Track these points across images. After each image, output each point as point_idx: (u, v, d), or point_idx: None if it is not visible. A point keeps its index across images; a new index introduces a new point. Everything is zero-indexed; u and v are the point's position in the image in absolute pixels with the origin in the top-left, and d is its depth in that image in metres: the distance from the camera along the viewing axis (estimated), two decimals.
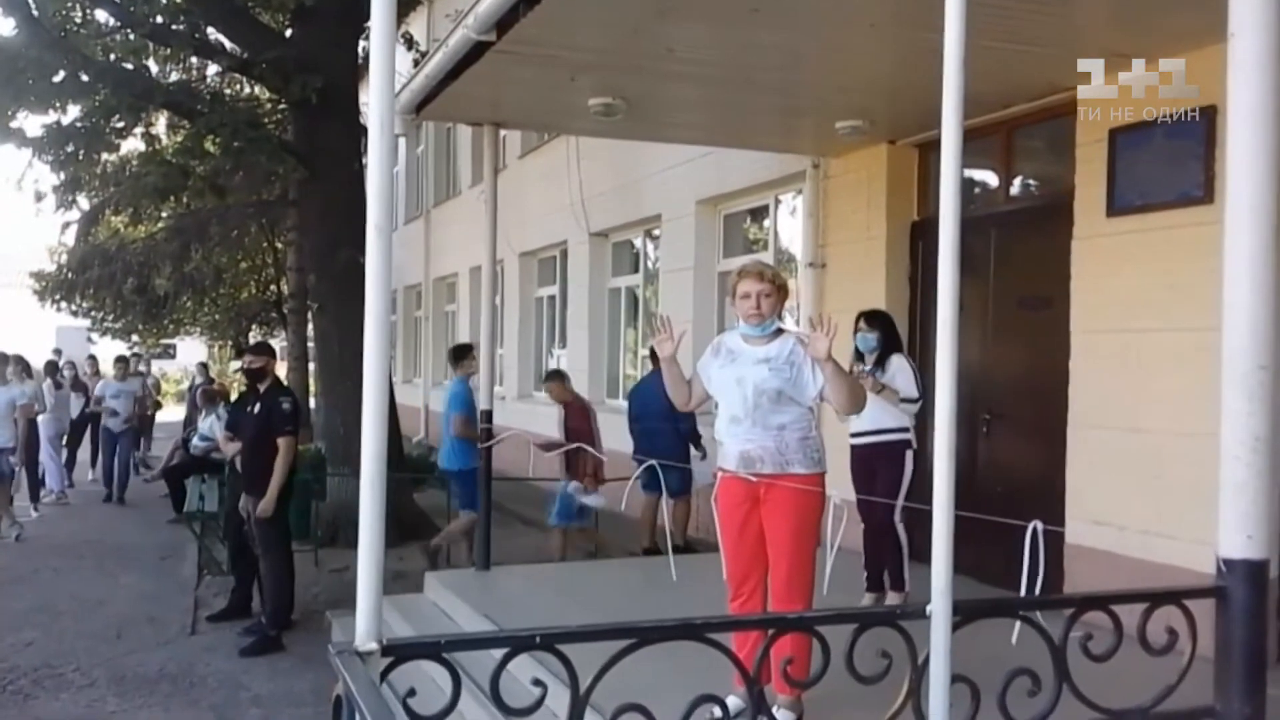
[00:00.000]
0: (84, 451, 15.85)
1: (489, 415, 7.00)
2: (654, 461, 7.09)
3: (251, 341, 23.28)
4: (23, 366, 12.36)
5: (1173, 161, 5.21)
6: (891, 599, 5.76)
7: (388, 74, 2.41)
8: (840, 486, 4.96)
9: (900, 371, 5.77)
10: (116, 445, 14.31)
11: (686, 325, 9.06)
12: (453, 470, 8.46)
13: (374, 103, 2.38)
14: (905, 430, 5.77)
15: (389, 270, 2.37)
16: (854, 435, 5.88)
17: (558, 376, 9.01)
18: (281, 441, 7.19)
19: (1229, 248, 2.42)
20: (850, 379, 4.16)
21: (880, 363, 5.82)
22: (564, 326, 14.03)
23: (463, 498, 8.46)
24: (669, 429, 8.26)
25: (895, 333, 6.08)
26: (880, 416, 5.72)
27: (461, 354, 8.88)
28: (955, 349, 2.64)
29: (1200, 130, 5.01)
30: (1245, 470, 2.40)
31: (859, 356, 5.89)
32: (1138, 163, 5.44)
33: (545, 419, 9.25)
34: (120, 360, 15.58)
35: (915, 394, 5.73)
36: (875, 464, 5.81)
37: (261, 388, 7.48)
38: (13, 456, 11.23)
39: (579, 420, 8.59)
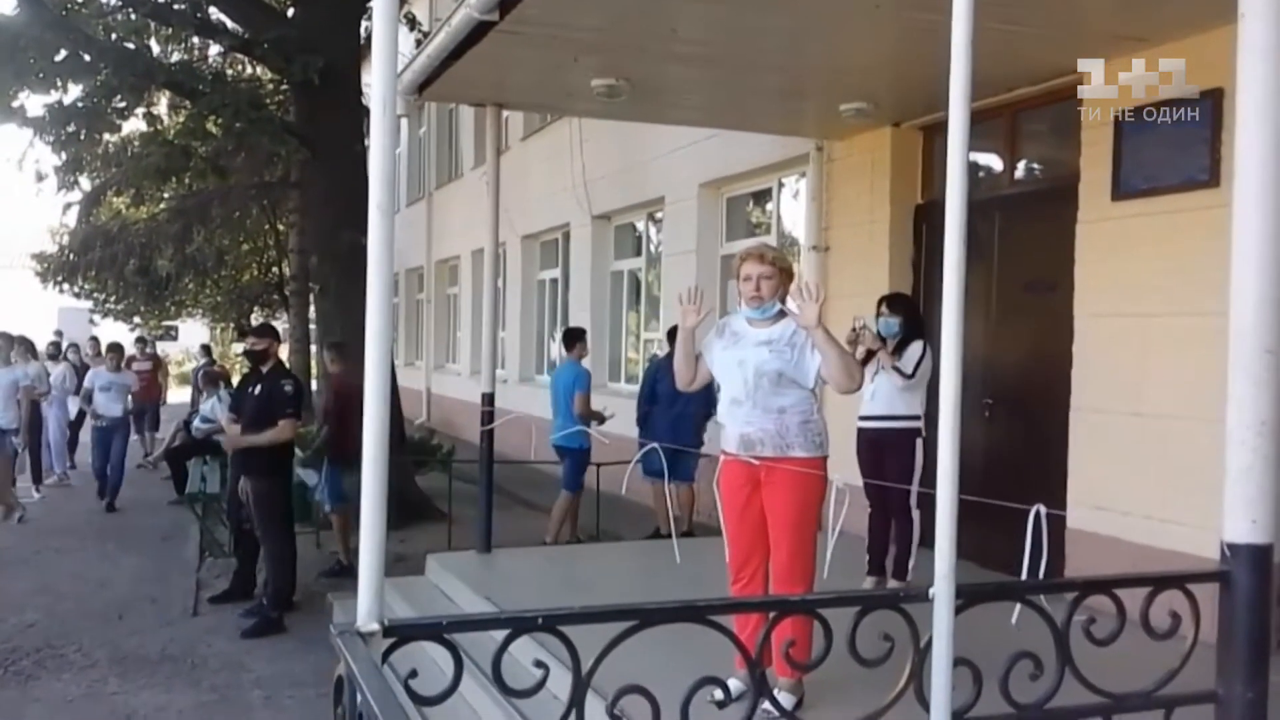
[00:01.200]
0: (85, 433, 15.81)
1: (491, 398, 7.00)
2: (655, 445, 7.08)
3: (254, 323, 23.28)
4: (27, 348, 12.36)
5: (1178, 145, 5.18)
6: (892, 586, 5.75)
7: (390, 53, 2.39)
8: (844, 470, 4.95)
9: (912, 355, 5.74)
10: (110, 444, 12.39)
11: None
12: (570, 448, 8.50)
13: (376, 82, 2.36)
14: (916, 418, 5.74)
15: (391, 252, 2.35)
16: (864, 418, 5.85)
17: (338, 349, 9.02)
18: (283, 423, 7.22)
19: (1237, 231, 2.40)
20: (842, 351, 4.12)
21: (901, 348, 5.78)
22: (566, 309, 14.02)
23: (570, 477, 8.57)
24: (684, 412, 8.19)
25: (918, 317, 6.03)
26: (894, 401, 5.70)
27: (576, 337, 8.93)
28: (960, 333, 2.62)
29: (1206, 113, 4.98)
30: (1250, 454, 2.39)
31: (882, 341, 5.84)
32: (1143, 146, 5.41)
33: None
34: (114, 348, 13.58)
35: (909, 370, 5.69)
36: (884, 449, 5.79)
37: (264, 369, 7.48)
38: (16, 438, 11.25)
39: (344, 399, 8.37)
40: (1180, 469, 5.09)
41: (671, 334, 9.18)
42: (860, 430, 5.89)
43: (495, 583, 6.25)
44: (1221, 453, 2.45)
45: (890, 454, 5.77)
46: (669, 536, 8.62)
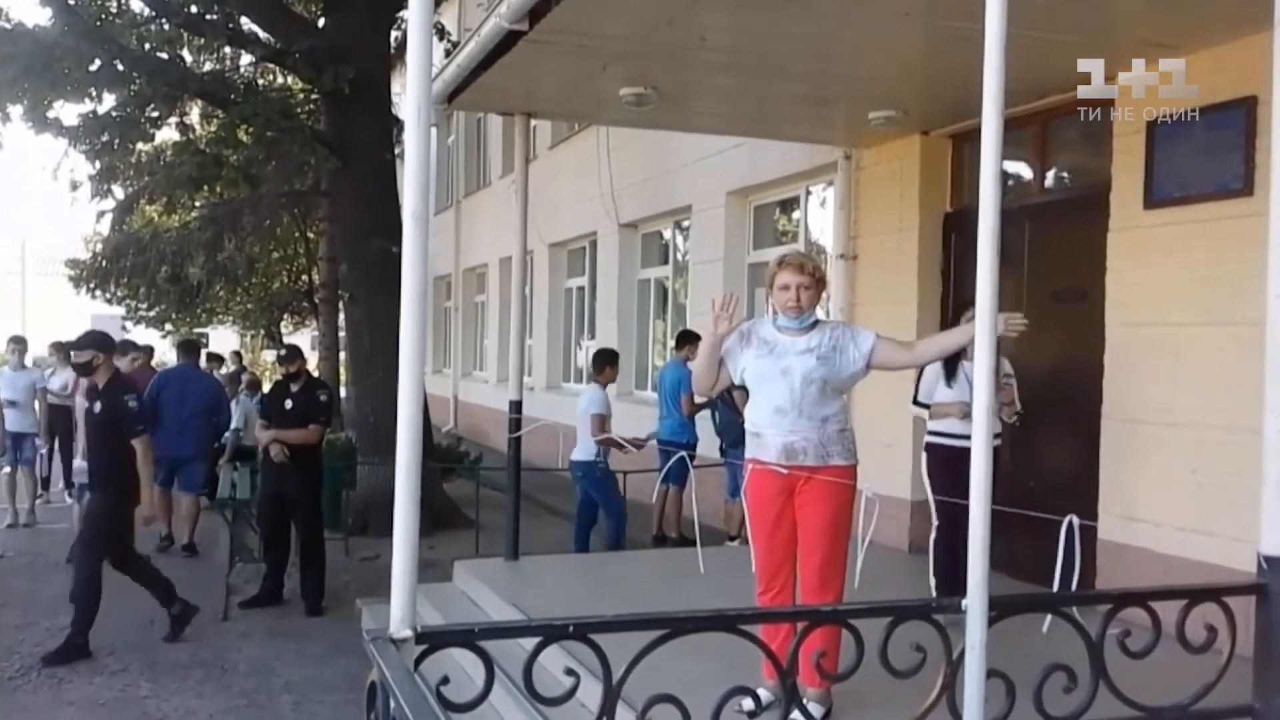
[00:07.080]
0: None
1: (519, 405, 7.02)
2: (682, 452, 7.11)
3: (282, 330, 23.42)
4: (64, 354, 12.47)
5: (1211, 153, 5.14)
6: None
7: (425, 63, 2.40)
8: (872, 479, 4.89)
9: (929, 372, 5.60)
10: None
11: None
12: (680, 443, 8.53)
13: (411, 90, 2.37)
14: (996, 436, 5.53)
15: (426, 257, 2.36)
16: (945, 435, 5.51)
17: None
18: (313, 427, 7.75)
19: (1274, 240, 2.38)
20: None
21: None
22: (593, 317, 14.04)
23: (675, 473, 8.47)
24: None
25: None
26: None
27: (690, 339, 8.99)
28: (994, 342, 2.61)
29: (1240, 121, 4.94)
30: None
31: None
32: (1176, 154, 5.36)
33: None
34: (16, 341, 11.19)
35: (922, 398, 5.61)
36: (963, 466, 5.55)
37: (295, 387, 7.86)
38: (38, 439, 11.33)
39: None
40: (1213, 480, 5.03)
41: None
42: (939, 446, 5.57)
43: (522, 590, 6.26)
44: (1256, 464, 2.43)
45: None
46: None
